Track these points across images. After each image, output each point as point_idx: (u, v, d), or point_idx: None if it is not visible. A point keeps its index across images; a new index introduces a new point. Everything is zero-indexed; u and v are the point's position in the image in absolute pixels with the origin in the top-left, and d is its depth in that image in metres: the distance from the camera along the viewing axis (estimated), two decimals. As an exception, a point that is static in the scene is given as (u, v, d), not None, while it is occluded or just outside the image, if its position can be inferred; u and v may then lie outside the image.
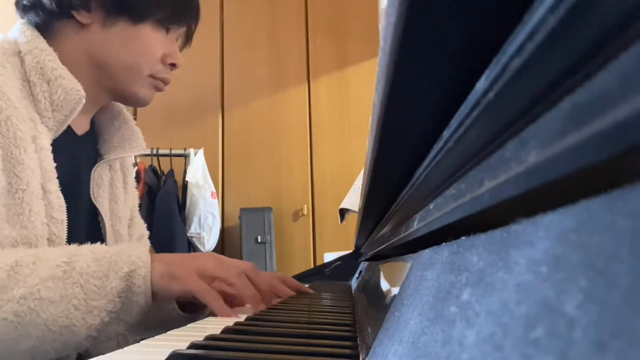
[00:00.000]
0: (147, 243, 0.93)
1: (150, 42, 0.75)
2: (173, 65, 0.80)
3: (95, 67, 0.74)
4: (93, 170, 0.79)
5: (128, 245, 0.63)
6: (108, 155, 0.82)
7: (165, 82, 0.80)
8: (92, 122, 0.82)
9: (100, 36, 0.73)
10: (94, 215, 0.79)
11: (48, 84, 0.68)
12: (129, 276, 0.58)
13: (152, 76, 0.77)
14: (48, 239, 0.64)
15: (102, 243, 0.78)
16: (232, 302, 0.66)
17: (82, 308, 0.56)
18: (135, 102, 0.80)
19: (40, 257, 0.56)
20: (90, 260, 0.58)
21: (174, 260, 0.63)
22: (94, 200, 0.78)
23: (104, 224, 0.79)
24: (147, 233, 0.93)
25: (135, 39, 0.74)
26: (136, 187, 0.94)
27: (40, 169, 0.64)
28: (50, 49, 0.70)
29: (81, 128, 0.79)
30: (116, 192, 0.83)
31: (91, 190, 0.78)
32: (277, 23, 2.77)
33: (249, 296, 0.64)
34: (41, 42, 0.70)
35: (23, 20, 0.73)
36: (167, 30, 0.77)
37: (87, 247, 0.60)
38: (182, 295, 0.62)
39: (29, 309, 0.53)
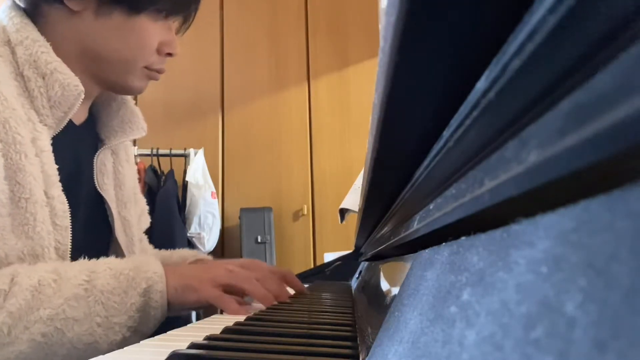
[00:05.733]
0: (148, 219, 0.92)
1: (147, 33, 0.70)
2: (169, 55, 0.75)
3: (87, 58, 0.69)
4: (95, 158, 0.76)
5: (143, 260, 0.64)
6: (109, 140, 0.79)
7: (160, 72, 0.76)
8: (90, 108, 0.79)
9: (93, 26, 0.67)
10: (99, 203, 0.77)
11: (43, 78, 0.64)
12: (147, 292, 0.60)
13: (147, 67, 0.73)
14: (55, 248, 0.63)
15: (109, 232, 0.78)
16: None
17: (104, 325, 0.57)
18: (128, 93, 0.77)
19: (61, 274, 0.57)
20: (109, 277, 0.59)
21: (187, 272, 0.67)
22: (99, 189, 0.76)
23: (111, 212, 0.77)
24: (147, 208, 0.93)
25: (132, 31, 0.69)
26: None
27: (42, 174, 0.62)
28: (42, 39, 0.65)
29: (79, 118, 0.75)
30: (120, 177, 0.81)
31: (95, 178, 0.76)
32: (277, 23, 2.77)
33: (260, 296, 0.68)
34: (32, 31, 0.65)
35: (9, 3, 0.67)
36: (166, 19, 0.72)
37: (104, 263, 0.61)
38: (197, 304, 0.65)
39: (55, 330, 0.54)
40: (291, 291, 0.82)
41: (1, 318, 0.52)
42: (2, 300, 0.53)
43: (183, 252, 0.92)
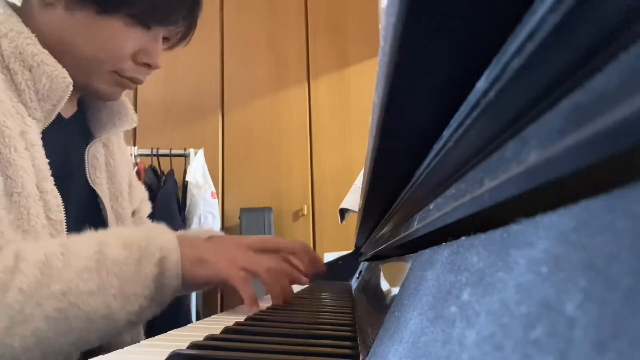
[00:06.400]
0: (149, 204, 0.91)
1: (117, 37, 0.67)
2: (148, 66, 0.71)
3: (59, 53, 0.67)
4: (86, 152, 0.75)
5: (155, 229, 0.63)
6: (99, 133, 0.77)
7: (134, 81, 0.72)
8: (79, 101, 0.77)
9: (63, 20, 0.65)
10: (92, 197, 0.76)
11: (30, 71, 0.63)
12: (161, 262, 0.59)
13: (117, 73, 0.70)
14: None
15: (103, 226, 0.75)
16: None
17: (120, 296, 0.56)
18: (96, 96, 0.74)
19: (68, 247, 0.56)
20: (120, 247, 0.58)
21: (203, 245, 0.64)
22: (91, 184, 0.75)
23: (104, 206, 0.76)
24: (146, 194, 0.91)
25: (99, 31, 0.66)
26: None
27: (33, 168, 0.61)
28: (27, 31, 0.63)
29: (68, 111, 0.74)
30: (111, 169, 0.79)
31: (87, 173, 0.75)
32: (277, 23, 2.77)
33: (275, 294, 0.65)
34: (17, 23, 0.63)
35: None
36: (148, 27, 0.68)
37: (113, 233, 0.60)
38: (210, 280, 0.62)
39: (70, 304, 0.53)
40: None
41: (13, 296, 0.51)
42: (9, 277, 0.51)
43: (195, 231, 0.91)
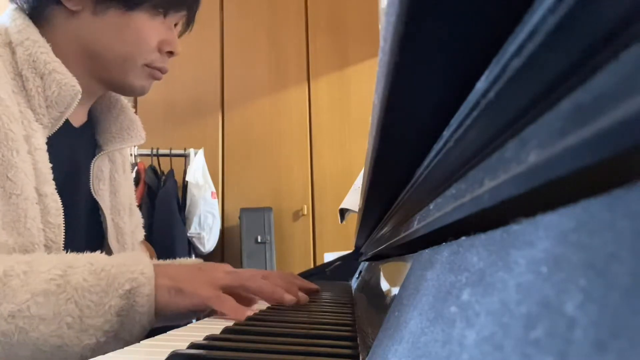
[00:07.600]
0: (142, 231, 0.91)
1: (145, 30, 0.70)
2: (171, 54, 0.75)
3: (88, 58, 0.70)
4: (92, 163, 0.76)
5: (130, 257, 0.58)
6: (107, 146, 0.79)
7: (162, 71, 0.75)
8: (89, 112, 0.79)
9: (91, 25, 0.68)
10: (95, 209, 0.76)
11: (41, 78, 0.64)
12: (131, 294, 0.54)
13: (147, 65, 0.73)
14: (45, 246, 0.61)
15: (103, 238, 0.76)
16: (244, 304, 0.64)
17: (77, 326, 0.51)
18: (131, 93, 0.77)
19: (33, 266, 0.52)
20: (87, 273, 0.53)
21: (180, 274, 0.60)
22: (94, 194, 0.75)
23: (104, 218, 0.76)
24: (142, 221, 0.91)
25: (129, 27, 0.69)
26: (135, 190, 0.92)
27: (35, 171, 0.61)
28: (42, 40, 0.65)
29: (78, 120, 0.76)
30: (115, 184, 0.80)
31: (91, 183, 0.75)
32: (277, 23, 2.77)
33: (270, 292, 0.63)
34: (33, 33, 0.65)
35: (14, 6, 0.68)
36: (165, 15, 0.72)
37: (85, 258, 0.56)
38: (193, 309, 0.59)
39: (17, 328, 0.49)
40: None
41: None
42: None
43: (178, 261, 0.90)
